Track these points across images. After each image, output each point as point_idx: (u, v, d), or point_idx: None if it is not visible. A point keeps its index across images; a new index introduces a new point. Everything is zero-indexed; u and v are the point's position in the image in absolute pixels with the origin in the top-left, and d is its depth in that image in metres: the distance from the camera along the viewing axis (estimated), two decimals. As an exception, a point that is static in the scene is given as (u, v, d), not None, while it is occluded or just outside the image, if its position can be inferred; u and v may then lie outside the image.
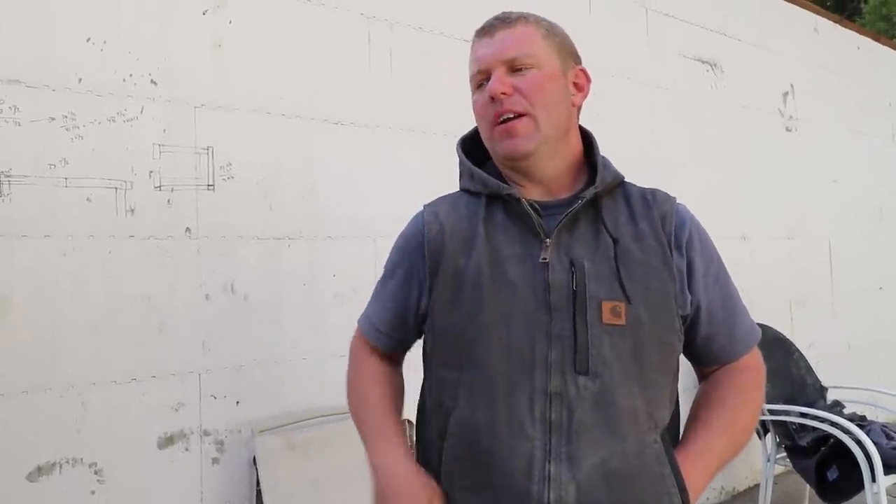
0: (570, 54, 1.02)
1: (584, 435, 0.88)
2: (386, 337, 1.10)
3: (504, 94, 0.94)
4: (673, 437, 0.98)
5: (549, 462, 0.87)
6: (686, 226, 0.99)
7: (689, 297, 0.97)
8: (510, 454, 0.89)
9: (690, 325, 0.99)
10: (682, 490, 0.91)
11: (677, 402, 1.01)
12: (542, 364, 0.89)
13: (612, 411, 0.89)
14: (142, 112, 1.84)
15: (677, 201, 1.02)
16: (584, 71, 1.03)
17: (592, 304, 0.90)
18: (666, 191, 1.03)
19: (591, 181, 0.98)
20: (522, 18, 0.99)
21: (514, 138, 0.95)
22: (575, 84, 1.01)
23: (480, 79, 0.98)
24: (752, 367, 1.04)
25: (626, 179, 1.02)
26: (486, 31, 0.99)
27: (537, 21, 1.00)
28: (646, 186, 1.04)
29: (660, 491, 0.90)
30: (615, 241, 0.94)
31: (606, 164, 1.00)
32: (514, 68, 0.95)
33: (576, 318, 0.90)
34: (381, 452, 1.01)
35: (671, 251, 0.96)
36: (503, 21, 0.98)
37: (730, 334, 1.02)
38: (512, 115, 0.95)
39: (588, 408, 0.88)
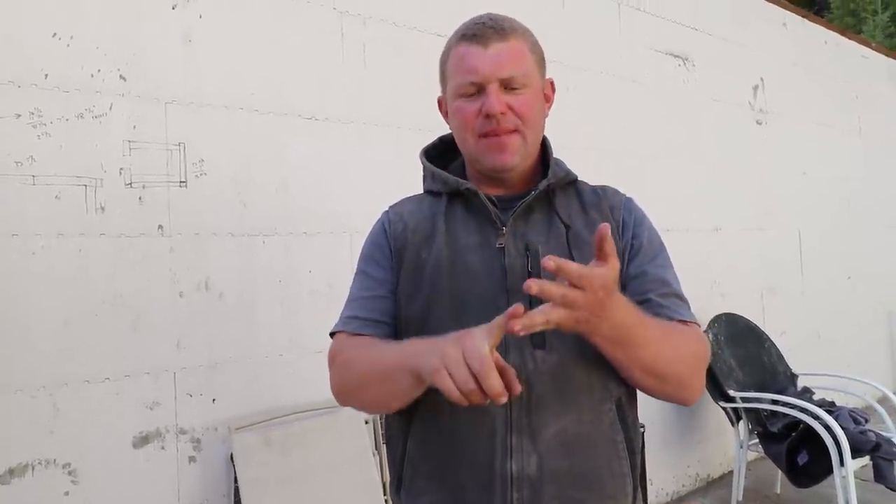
0: (544, 67, 1.05)
1: (543, 407, 0.92)
2: (374, 325, 1.01)
3: (502, 113, 0.96)
4: (630, 405, 1.00)
5: (511, 434, 0.91)
6: (633, 214, 1.05)
7: (630, 273, 0.99)
8: (473, 430, 0.92)
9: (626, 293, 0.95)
10: (632, 454, 0.96)
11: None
12: (500, 343, 0.91)
13: (568, 383, 0.93)
14: (111, 108, 1.82)
15: (626, 195, 1.08)
16: (551, 82, 1.07)
17: None
18: (616, 187, 1.09)
19: (545, 178, 1.02)
20: (514, 32, 0.99)
21: (503, 153, 0.98)
22: (545, 95, 1.05)
23: (472, 90, 0.98)
24: (692, 326, 0.98)
25: (580, 179, 1.08)
26: (477, 38, 0.97)
27: (524, 34, 1.01)
28: (596, 184, 1.10)
29: (611, 455, 0.95)
30: (567, 228, 1.00)
31: (559, 162, 1.05)
32: (509, 86, 0.97)
33: (531, 298, 0.90)
34: (410, 345, 0.89)
35: (620, 235, 1.01)
36: (496, 31, 0.98)
37: (661, 304, 0.97)
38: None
39: (546, 380, 0.92)
